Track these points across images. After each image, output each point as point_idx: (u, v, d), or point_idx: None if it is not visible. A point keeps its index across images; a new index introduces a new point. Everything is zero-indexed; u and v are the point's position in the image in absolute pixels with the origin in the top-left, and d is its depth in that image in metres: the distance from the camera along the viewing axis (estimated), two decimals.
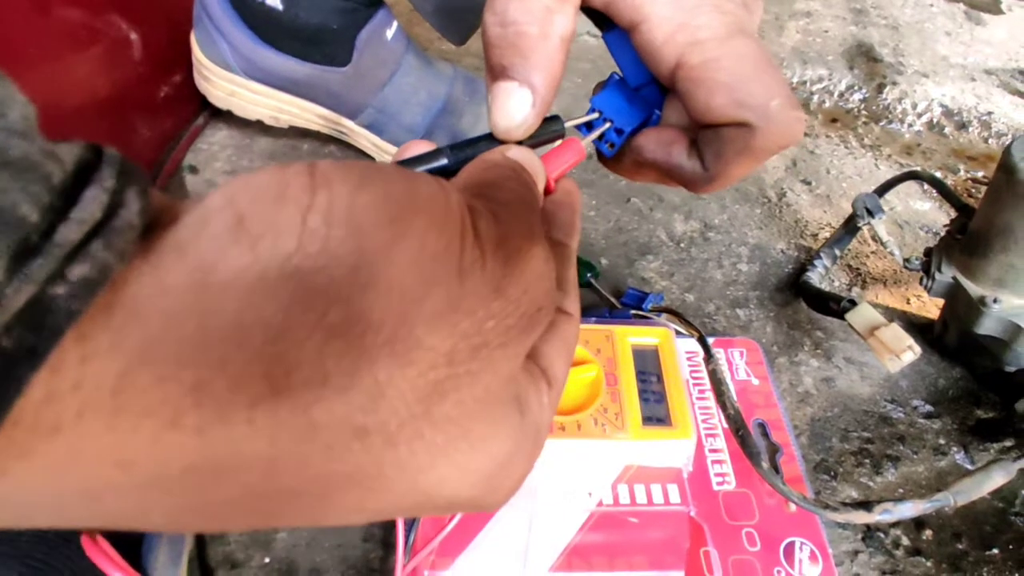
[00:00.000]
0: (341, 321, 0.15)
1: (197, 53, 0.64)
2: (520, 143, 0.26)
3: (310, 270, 0.15)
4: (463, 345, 0.17)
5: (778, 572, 0.41)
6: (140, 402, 0.13)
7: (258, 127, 0.69)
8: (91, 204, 0.13)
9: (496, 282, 0.18)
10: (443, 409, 0.17)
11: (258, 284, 0.14)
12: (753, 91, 0.26)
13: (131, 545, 0.34)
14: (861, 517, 0.40)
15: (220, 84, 0.65)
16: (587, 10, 0.28)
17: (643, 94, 0.30)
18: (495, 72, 0.26)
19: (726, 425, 0.45)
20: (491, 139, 0.26)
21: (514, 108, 0.26)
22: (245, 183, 0.15)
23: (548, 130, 0.27)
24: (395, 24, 0.63)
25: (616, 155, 0.31)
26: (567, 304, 0.23)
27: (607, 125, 0.30)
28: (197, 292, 0.14)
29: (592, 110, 0.30)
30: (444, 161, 0.25)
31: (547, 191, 0.26)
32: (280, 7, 0.60)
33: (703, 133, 0.28)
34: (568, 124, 0.29)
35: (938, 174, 0.72)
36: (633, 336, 0.48)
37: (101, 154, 0.14)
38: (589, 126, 0.30)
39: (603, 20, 0.28)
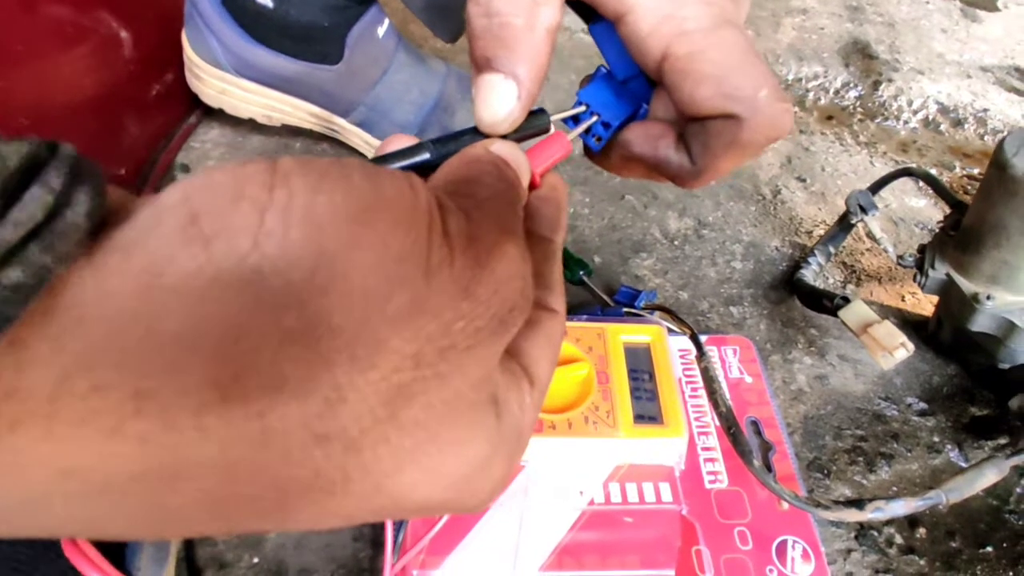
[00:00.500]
0: (298, 325, 0.14)
1: (188, 51, 0.64)
2: (505, 137, 0.26)
3: (266, 272, 0.14)
4: (430, 347, 0.16)
5: (770, 571, 0.41)
6: (78, 411, 0.13)
7: (250, 125, 0.69)
8: (31, 205, 0.12)
9: (465, 282, 0.17)
10: (410, 413, 0.16)
11: (210, 287, 0.14)
12: (740, 82, 0.25)
13: (116, 545, 0.34)
14: (853, 515, 0.40)
15: (211, 82, 0.64)
16: (572, 2, 0.28)
17: (630, 87, 0.29)
18: (479, 64, 0.26)
19: (718, 423, 0.45)
20: (476, 133, 0.26)
21: (498, 101, 0.25)
22: (203, 180, 0.15)
23: (534, 124, 0.27)
24: (386, 21, 0.63)
25: (603, 149, 0.31)
26: (551, 301, 0.23)
27: (594, 119, 0.30)
28: (143, 296, 0.13)
29: (579, 103, 0.30)
30: (426, 155, 0.24)
31: (532, 186, 0.26)
32: (270, 5, 0.60)
33: (690, 126, 0.27)
34: (554, 118, 0.28)
35: (933, 171, 0.71)
36: (625, 334, 0.48)
37: (56, 151, 0.13)
38: (576, 120, 0.30)
39: (588, 12, 0.28)
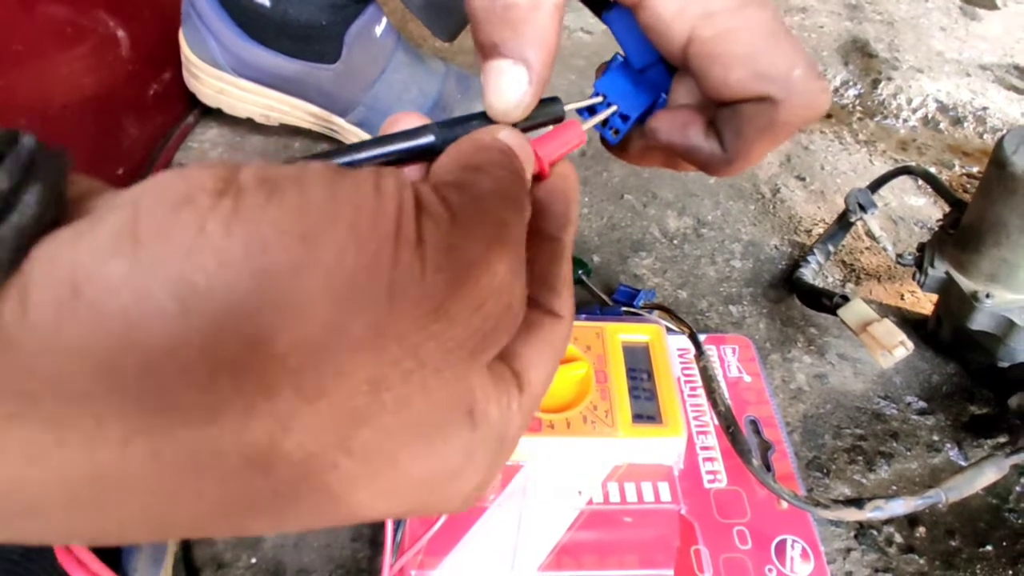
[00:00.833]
0: (234, 352, 0.13)
1: (186, 51, 0.64)
2: (516, 126, 0.24)
3: (199, 290, 0.13)
4: (391, 371, 0.15)
5: (769, 570, 0.41)
6: None
7: (249, 125, 0.69)
8: None
9: (438, 300, 0.15)
10: (363, 438, 0.15)
11: (134, 304, 0.12)
12: (773, 62, 0.24)
13: (113, 545, 0.34)
14: (852, 514, 0.39)
15: (209, 82, 0.64)
16: None
17: (648, 76, 0.28)
18: (486, 51, 0.24)
19: (717, 422, 0.45)
20: (485, 119, 0.25)
21: (509, 88, 0.24)
22: (157, 181, 0.14)
23: (545, 112, 0.25)
24: (384, 20, 0.63)
25: (621, 141, 0.29)
26: (556, 304, 0.22)
27: (611, 110, 0.28)
28: (59, 312, 0.12)
29: (595, 94, 0.28)
30: (431, 138, 0.23)
31: (541, 176, 0.24)
32: (268, 4, 0.59)
33: (721, 112, 0.26)
34: (568, 107, 0.27)
35: (933, 170, 0.71)
36: (624, 333, 0.48)
37: (15, 143, 0.13)
38: (591, 111, 0.29)
39: (600, 1, 0.27)
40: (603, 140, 0.30)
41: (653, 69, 0.28)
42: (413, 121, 0.23)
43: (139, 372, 0.12)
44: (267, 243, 0.13)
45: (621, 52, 0.28)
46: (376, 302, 0.14)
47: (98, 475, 0.13)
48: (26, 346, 0.12)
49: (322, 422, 0.14)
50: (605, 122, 0.29)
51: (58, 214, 0.13)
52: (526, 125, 0.25)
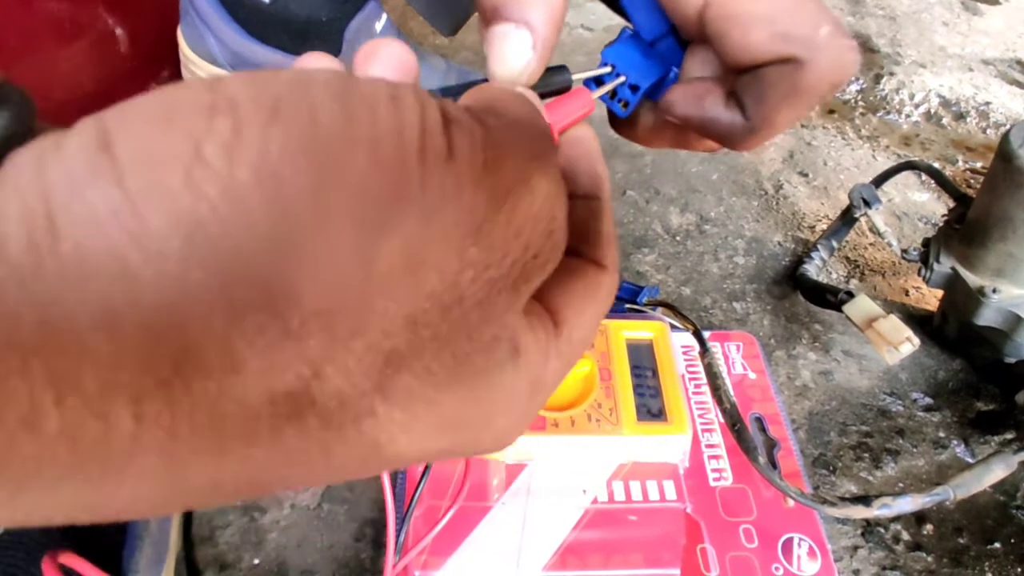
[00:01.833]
0: (254, 296, 0.11)
1: (184, 47, 0.63)
2: None
3: (206, 223, 0.11)
4: (429, 305, 0.14)
5: (776, 568, 0.40)
6: None
7: None
8: None
9: (476, 221, 0.14)
10: (402, 381, 0.14)
11: (128, 242, 0.10)
12: (797, 20, 0.22)
13: (114, 546, 0.33)
14: (860, 512, 0.39)
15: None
16: None
17: (659, 48, 0.27)
18: (488, 16, 0.23)
19: (722, 420, 0.45)
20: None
21: (513, 53, 0.22)
22: (123, 105, 0.12)
23: (553, 80, 0.24)
24: (384, 16, 0.63)
25: (630, 116, 0.28)
26: (600, 255, 0.20)
27: (620, 80, 0.27)
28: (37, 254, 0.10)
29: (603, 63, 0.27)
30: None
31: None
32: (267, 0, 0.59)
33: (741, 79, 0.25)
34: (576, 77, 0.26)
35: (936, 165, 0.71)
36: (628, 330, 0.47)
37: None
38: (599, 82, 0.27)
39: None
40: (610, 115, 0.29)
41: (663, 41, 0.27)
42: (394, 49, 0.20)
43: (143, 325, 0.11)
44: (279, 171, 0.12)
45: (630, 26, 0.27)
46: (407, 224, 0.13)
47: (105, 439, 0.11)
48: (8, 294, 0.10)
49: (357, 365, 0.13)
50: (613, 94, 0.27)
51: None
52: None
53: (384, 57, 0.19)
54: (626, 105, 0.28)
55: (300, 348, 0.12)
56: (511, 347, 0.16)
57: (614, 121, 0.29)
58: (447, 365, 0.15)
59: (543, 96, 0.24)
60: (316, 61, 0.19)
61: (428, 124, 0.13)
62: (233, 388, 0.12)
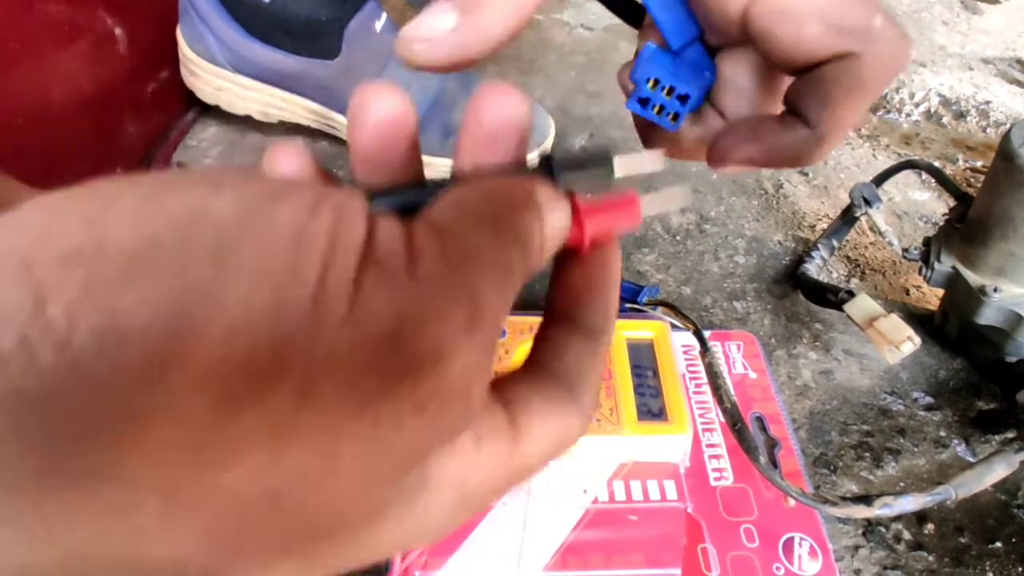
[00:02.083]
0: (78, 468, 0.10)
1: (183, 47, 0.63)
2: (545, 163, 0.18)
3: (29, 391, 0.10)
4: (293, 482, 0.12)
5: (777, 568, 0.40)
6: None
7: (248, 122, 0.68)
8: None
9: (364, 397, 0.12)
10: (254, 558, 0.13)
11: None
12: (850, 12, 0.22)
13: None
14: (861, 511, 0.39)
15: (207, 79, 0.64)
16: None
17: (687, 57, 0.25)
18: None
19: (723, 419, 0.44)
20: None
21: (427, 22, 0.19)
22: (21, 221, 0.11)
23: (590, 173, 0.19)
24: (384, 16, 0.63)
25: (677, 132, 0.26)
26: (579, 400, 0.19)
27: (665, 92, 0.25)
28: None
29: (643, 81, 0.25)
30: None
31: (577, 250, 0.19)
32: None
33: (797, 83, 0.23)
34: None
35: (936, 163, 0.71)
36: (628, 330, 0.47)
37: None
38: (643, 102, 0.25)
39: None
40: (651, 136, 0.27)
41: (691, 49, 0.25)
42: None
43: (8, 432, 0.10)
44: (121, 335, 0.10)
45: (655, 40, 0.26)
46: (273, 402, 0.11)
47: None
48: None
49: (196, 536, 0.12)
50: (660, 109, 0.26)
51: None
52: (564, 188, 0.18)
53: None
54: (675, 118, 0.26)
55: (133, 514, 0.11)
56: (417, 484, 0.15)
57: (658, 139, 0.27)
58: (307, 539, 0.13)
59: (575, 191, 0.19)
60: (284, 158, 0.17)
61: (333, 275, 0.12)
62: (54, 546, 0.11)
